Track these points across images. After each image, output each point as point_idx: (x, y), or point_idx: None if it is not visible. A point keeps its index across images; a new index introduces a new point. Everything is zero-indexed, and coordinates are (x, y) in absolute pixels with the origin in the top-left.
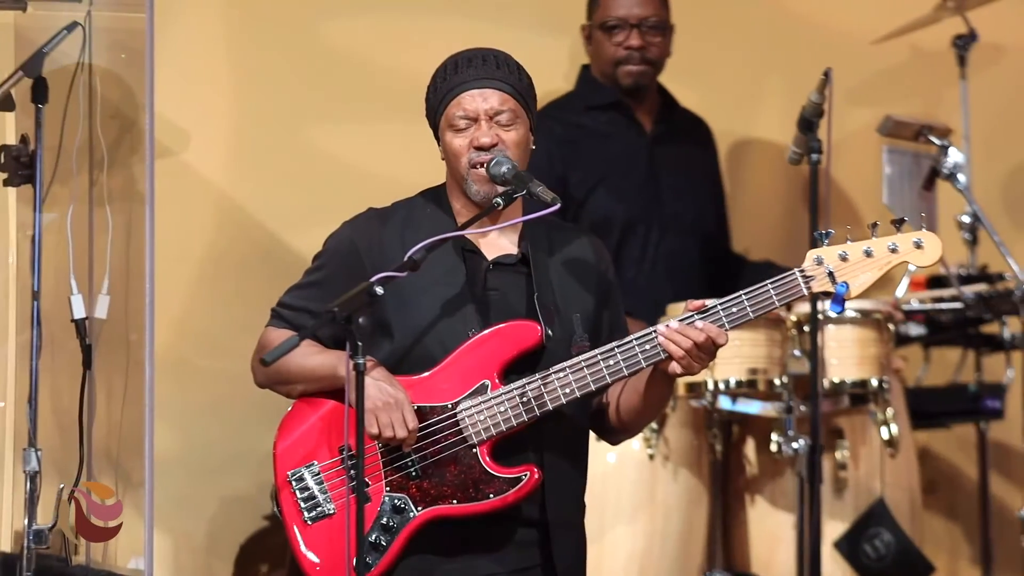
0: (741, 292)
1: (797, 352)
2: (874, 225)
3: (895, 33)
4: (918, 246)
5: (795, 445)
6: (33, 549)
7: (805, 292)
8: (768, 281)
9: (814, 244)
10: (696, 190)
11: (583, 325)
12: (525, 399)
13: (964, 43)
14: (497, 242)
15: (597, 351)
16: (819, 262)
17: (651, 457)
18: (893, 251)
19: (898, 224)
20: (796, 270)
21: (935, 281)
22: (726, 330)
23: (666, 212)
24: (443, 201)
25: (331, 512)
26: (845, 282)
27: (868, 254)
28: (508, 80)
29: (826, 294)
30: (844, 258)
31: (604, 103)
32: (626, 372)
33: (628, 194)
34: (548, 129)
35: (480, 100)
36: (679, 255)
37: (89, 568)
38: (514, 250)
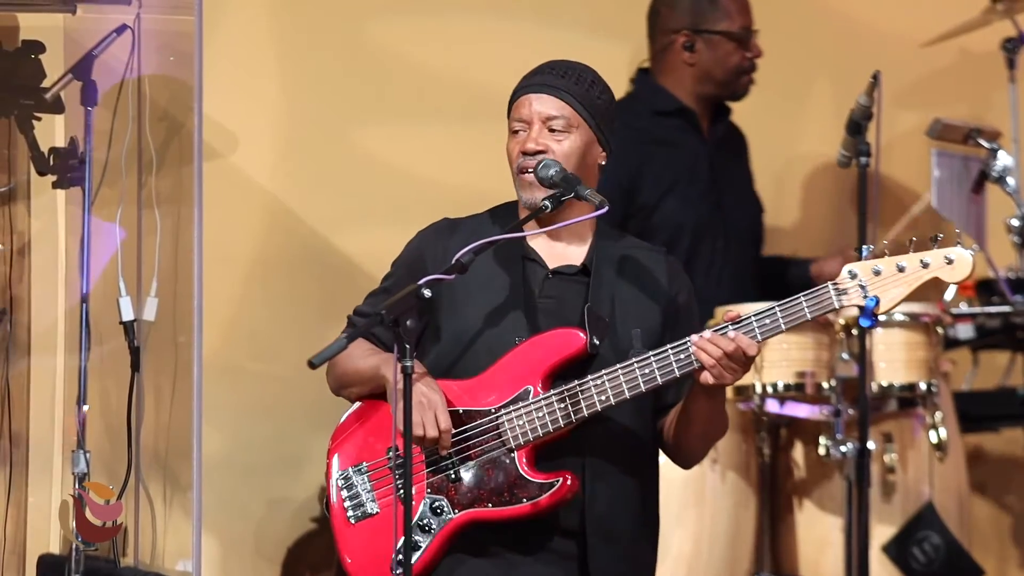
0: (775, 304)
1: (845, 355)
2: (911, 240)
3: (944, 36)
4: (949, 262)
5: (843, 448)
6: (82, 551)
7: (836, 306)
8: (802, 294)
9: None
10: (747, 195)
11: (643, 340)
12: (563, 405)
13: (1013, 46)
14: (563, 252)
15: (634, 359)
16: (853, 276)
17: None
18: (924, 266)
19: (934, 240)
20: (830, 283)
21: (984, 285)
22: (758, 342)
23: (728, 219)
24: (511, 215)
25: (374, 512)
26: (876, 296)
27: (901, 269)
28: (571, 90)
29: (858, 307)
30: (877, 272)
31: (670, 109)
32: (659, 379)
33: (695, 201)
34: (617, 135)
35: (536, 104)
36: (741, 261)
37: (137, 570)
38: (579, 260)
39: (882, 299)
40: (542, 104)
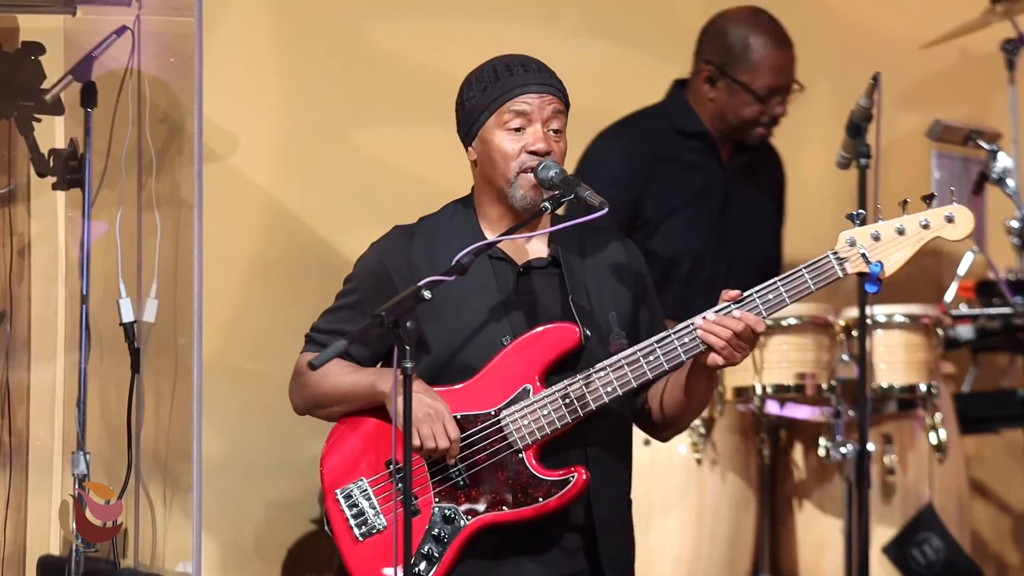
0: (776, 279)
1: (845, 357)
2: (904, 203)
3: (944, 37)
4: (949, 220)
5: (843, 450)
6: (82, 552)
7: (840, 274)
8: (803, 265)
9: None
10: (762, 222)
11: (619, 323)
12: (568, 400)
13: (1013, 47)
14: (526, 246)
15: (637, 348)
16: (852, 243)
17: (699, 461)
18: (925, 227)
19: (928, 200)
20: (830, 252)
21: (984, 286)
22: (764, 318)
23: (733, 246)
24: (471, 210)
25: (382, 527)
26: (879, 261)
27: (900, 232)
28: (563, 91)
29: (861, 275)
30: (876, 238)
31: (692, 131)
32: (667, 367)
33: (701, 226)
34: (632, 146)
35: (540, 103)
36: (742, 287)
37: (137, 571)
38: (544, 253)
39: (886, 264)
40: (546, 104)
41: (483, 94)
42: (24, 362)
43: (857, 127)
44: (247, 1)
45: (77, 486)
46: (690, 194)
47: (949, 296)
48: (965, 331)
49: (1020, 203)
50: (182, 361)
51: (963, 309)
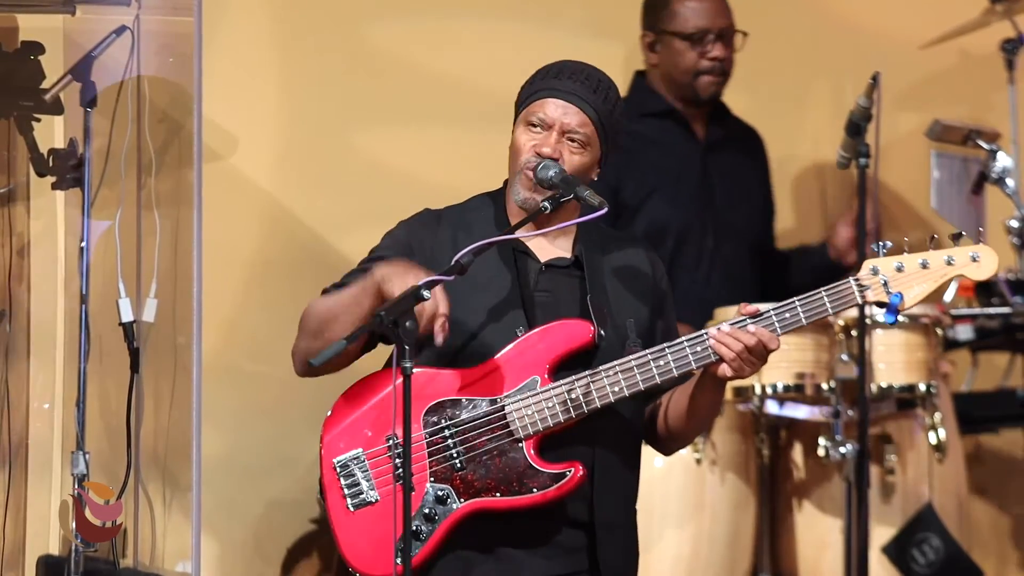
0: (795, 299)
1: (845, 356)
2: (932, 238)
3: (943, 37)
4: (974, 260)
5: (843, 450)
6: (81, 552)
7: (860, 301)
8: (823, 289)
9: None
10: (748, 197)
11: (636, 331)
12: (573, 395)
13: (1012, 47)
14: (551, 246)
15: (648, 351)
16: (875, 272)
17: (698, 461)
18: (949, 264)
19: (956, 238)
20: (851, 279)
21: (983, 286)
22: (778, 335)
23: (719, 220)
24: (499, 204)
25: (374, 500)
26: (899, 292)
27: (924, 266)
28: (599, 109)
29: (880, 304)
30: (900, 269)
31: (658, 111)
32: (676, 372)
33: (682, 202)
34: None
35: (561, 112)
36: (732, 262)
37: (137, 571)
38: (568, 253)
39: (906, 295)
40: (568, 114)
41: (528, 87)
42: (24, 362)
43: (857, 127)
44: (247, 1)
45: (77, 486)
46: (667, 173)
47: (948, 296)
48: (964, 331)
49: (1019, 203)
50: (181, 361)
51: (962, 309)
